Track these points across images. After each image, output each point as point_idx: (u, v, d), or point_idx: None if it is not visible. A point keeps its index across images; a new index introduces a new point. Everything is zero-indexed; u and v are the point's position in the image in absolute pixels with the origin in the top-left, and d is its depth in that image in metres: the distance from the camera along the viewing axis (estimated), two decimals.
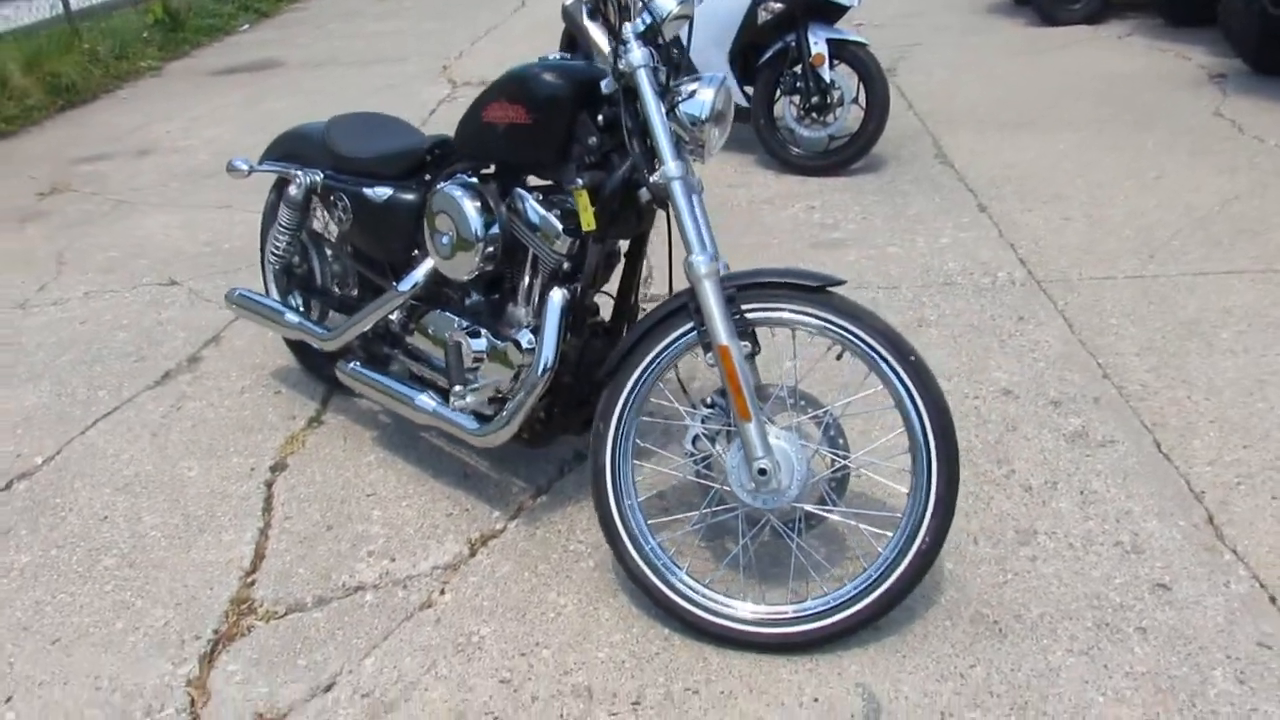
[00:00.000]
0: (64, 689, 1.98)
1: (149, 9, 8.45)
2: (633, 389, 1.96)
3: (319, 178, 2.61)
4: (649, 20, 1.94)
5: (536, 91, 2.04)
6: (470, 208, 2.13)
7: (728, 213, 4.18)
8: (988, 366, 2.86)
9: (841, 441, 1.97)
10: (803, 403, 1.97)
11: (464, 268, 2.19)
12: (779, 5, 4.31)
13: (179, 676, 1.99)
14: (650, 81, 1.89)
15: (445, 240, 2.19)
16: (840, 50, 4.38)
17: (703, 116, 1.93)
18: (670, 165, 1.87)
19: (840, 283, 1.89)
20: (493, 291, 2.30)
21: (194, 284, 3.82)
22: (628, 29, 1.92)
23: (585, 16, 5.09)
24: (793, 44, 4.38)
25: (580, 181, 2.00)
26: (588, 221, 2.01)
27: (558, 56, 2.12)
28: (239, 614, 2.15)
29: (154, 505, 2.53)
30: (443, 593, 2.17)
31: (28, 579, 2.30)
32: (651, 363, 1.95)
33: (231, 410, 2.95)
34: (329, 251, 2.79)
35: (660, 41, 1.95)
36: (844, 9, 4.41)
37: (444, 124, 4.56)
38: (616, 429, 1.98)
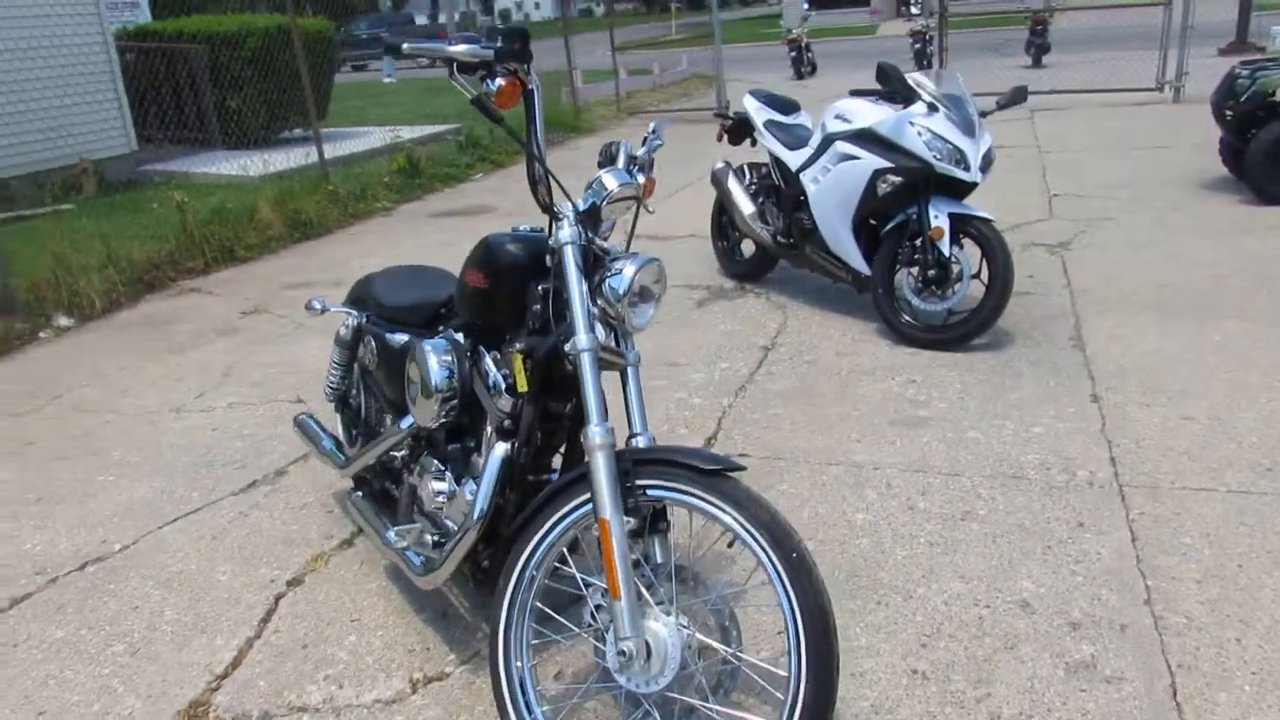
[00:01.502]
0: None
1: (394, 159, 9.62)
2: (532, 552, 1.99)
3: (363, 321, 2.88)
4: (591, 200, 2.05)
5: (495, 260, 2.18)
6: (434, 361, 2.27)
7: (826, 380, 4.11)
8: (1016, 574, 2.60)
9: (735, 633, 1.88)
10: (697, 587, 1.90)
11: (426, 414, 2.32)
12: (898, 179, 4.30)
13: None
14: (574, 257, 1.98)
15: (414, 388, 2.34)
16: (965, 224, 4.28)
17: (621, 291, 1.98)
18: (580, 337, 1.93)
19: (739, 469, 1.85)
20: (465, 440, 2.42)
21: (315, 404, 4.22)
22: (566, 207, 2.04)
23: (730, 179, 5.24)
24: (914, 216, 4.34)
25: (517, 345, 2.10)
26: (521, 383, 2.09)
27: (526, 228, 2.26)
28: (190, 715, 2.32)
29: (179, 602, 2.79)
30: None
31: (50, 654, 2.59)
32: (551, 528, 1.97)
33: (284, 524, 3.21)
34: (371, 388, 3.04)
35: (600, 219, 2.05)
36: (971, 185, 4.33)
37: None
38: (514, 589, 2.00)
